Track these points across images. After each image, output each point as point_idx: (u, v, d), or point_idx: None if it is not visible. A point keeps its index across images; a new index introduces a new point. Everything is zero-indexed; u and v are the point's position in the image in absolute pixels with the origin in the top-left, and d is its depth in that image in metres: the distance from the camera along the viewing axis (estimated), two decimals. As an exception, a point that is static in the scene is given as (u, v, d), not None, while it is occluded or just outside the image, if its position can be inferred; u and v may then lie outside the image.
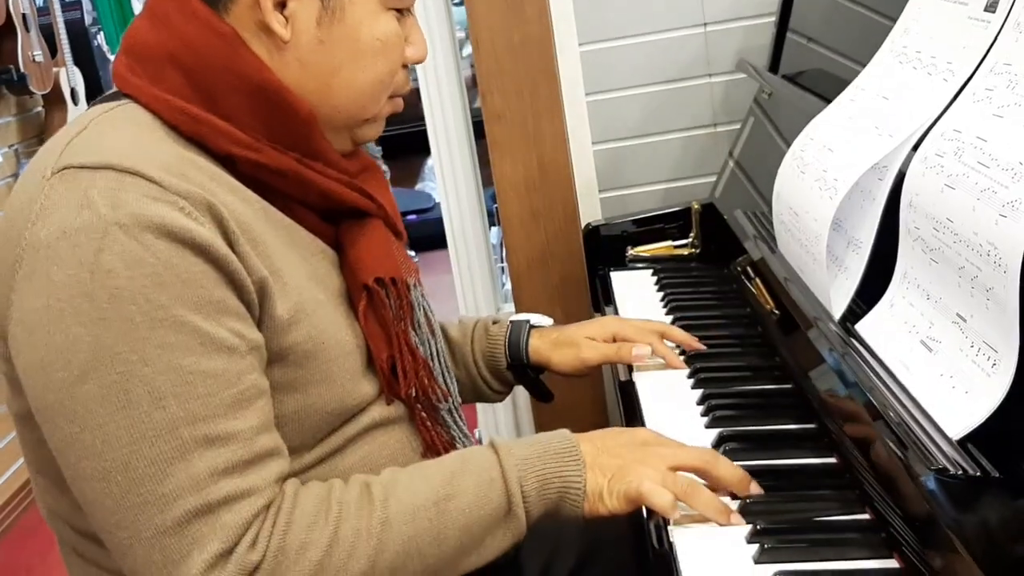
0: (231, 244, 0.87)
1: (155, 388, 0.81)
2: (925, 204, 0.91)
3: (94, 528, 0.88)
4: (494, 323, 1.32)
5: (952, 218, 0.85)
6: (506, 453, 0.94)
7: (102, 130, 0.90)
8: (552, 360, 1.29)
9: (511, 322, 1.31)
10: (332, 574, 0.86)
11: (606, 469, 0.95)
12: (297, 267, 0.96)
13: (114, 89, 0.97)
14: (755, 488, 0.95)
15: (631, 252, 1.75)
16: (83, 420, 0.82)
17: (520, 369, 1.30)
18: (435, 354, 1.08)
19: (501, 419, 2.17)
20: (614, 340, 1.29)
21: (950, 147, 0.90)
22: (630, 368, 1.29)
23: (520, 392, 2.11)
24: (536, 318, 1.33)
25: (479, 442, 1.08)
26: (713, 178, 1.81)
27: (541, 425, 2.10)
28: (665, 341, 1.29)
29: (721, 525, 0.92)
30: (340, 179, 1.00)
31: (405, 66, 1.04)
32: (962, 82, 0.95)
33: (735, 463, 1.00)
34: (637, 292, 1.60)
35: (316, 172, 0.98)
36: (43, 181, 0.85)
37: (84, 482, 0.84)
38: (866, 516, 0.92)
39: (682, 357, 1.29)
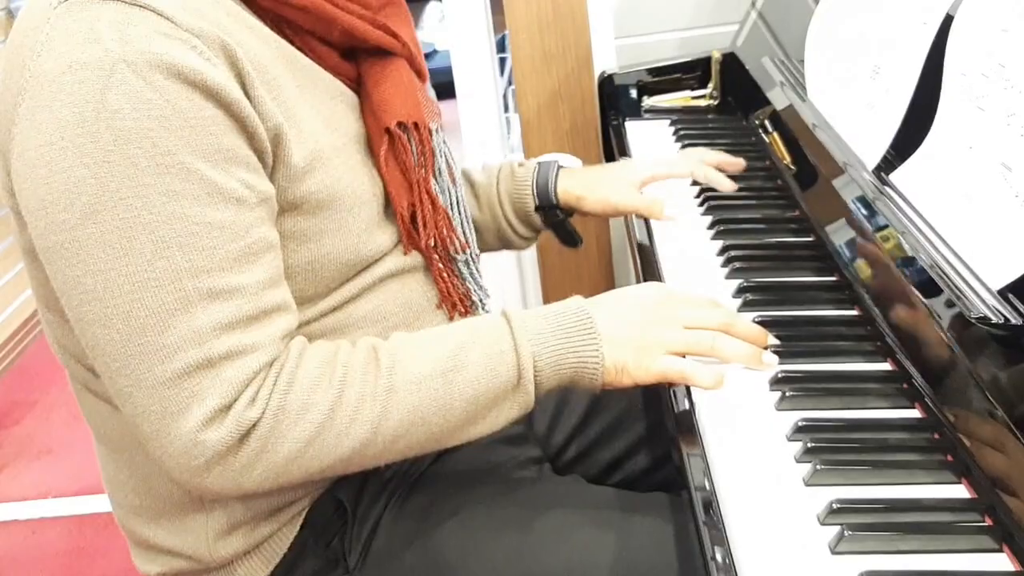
0: (245, 87, 0.83)
1: (159, 236, 0.79)
2: (975, 48, 0.87)
3: (97, 370, 0.86)
4: (520, 165, 1.29)
5: (1004, 63, 0.82)
6: (519, 325, 0.91)
7: None
8: (583, 200, 1.26)
9: (539, 163, 1.28)
10: (332, 438, 0.85)
11: (625, 341, 0.92)
12: (315, 112, 0.92)
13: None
14: (771, 339, 0.95)
15: (647, 102, 1.71)
16: (85, 264, 0.80)
17: (548, 211, 1.27)
18: (455, 203, 1.05)
19: (506, 273, 2.16)
20: (654, 178, 1.29)
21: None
22: (648, 228, 1.27)
23: (525, 252, 2.11)
24: (565, 159, 1.30)
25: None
26: (732, 27, 1.75)
27: (546, 279, 2.10)
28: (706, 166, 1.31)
29: (755, 369, 0.92)
30: (364, 15, 0.96)
31: None
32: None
33: (754, 315, 1.01)
34: (653, 143, 1.57)
35: (339, 7, 0.93)
36: (49, 10, 0.80)
37: (86, 326, 0.82)
38: (888, 366, 0.92)
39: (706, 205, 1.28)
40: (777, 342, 0.95)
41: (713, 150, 1.34)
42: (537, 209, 1.26)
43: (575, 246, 1.33)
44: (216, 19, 0.84)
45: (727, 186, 1.29)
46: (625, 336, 0.93)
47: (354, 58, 0.99)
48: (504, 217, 1.27)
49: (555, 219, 1.28)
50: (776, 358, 0.93)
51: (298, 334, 0.90)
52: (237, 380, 0.82)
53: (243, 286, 0.82)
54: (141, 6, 0.79)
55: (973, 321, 0.77)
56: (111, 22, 0.78)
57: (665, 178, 1.30)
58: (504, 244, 1.30)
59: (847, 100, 1.08)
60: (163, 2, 0.80)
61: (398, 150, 0.98)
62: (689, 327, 0.93)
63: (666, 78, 1.72)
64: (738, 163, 1.30)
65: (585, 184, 1.26)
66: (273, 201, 0.87)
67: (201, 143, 0.80)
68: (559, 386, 0.92)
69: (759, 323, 0.99)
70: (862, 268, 1.00)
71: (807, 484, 0.79)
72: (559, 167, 1.27)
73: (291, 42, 0.92)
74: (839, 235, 1.07)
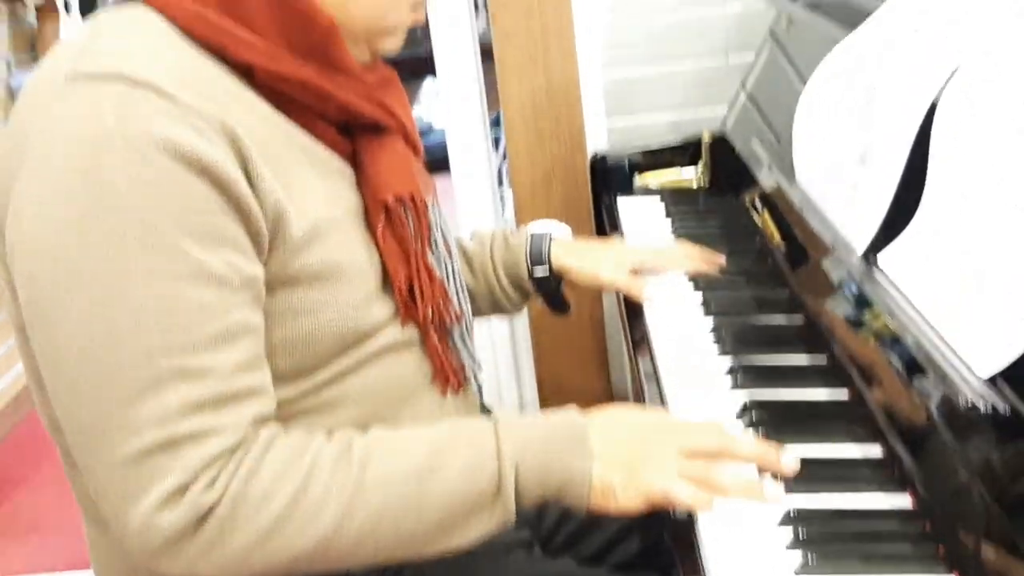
0: (245, 166, 0.84)
1: (137, 312, 0.79)
2: (960, 133, 0.88)
3: (68, 445, 0.85)
4: (512, 234, 1.31)
5: (989, 147, 0.83)
6: (505, 431, 0.89)
7: (117, 37, 0.86)
8: (573, 271, 1.29)
9: (531, 233, 1.31)
10: (292, 531, 0.82)
11: (617, 462, 0.88)
12: (314, 186, 0.93)
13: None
14: (788, 461, 0.88)
15: (639, 180, 1.73)
16: (61, 335, 0.80)
17: (541, 279, 1.29)
18: (451, 275, 1.05)
19: (499, 345, 2.16)
20: (642, 265, 1.32)
21: (989, 73, 0.87)
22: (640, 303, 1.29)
23: (517, 320, 2.12)
24: (556, 228, 1.34)
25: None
26: (722, 109, 1.78)
27: (539, 351, 2.10)
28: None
29: (757, 502, 0.86)
30: (360, 92, 0.97)
31: None
32: (1001, 9, 0.92)
33: (745, 395, 1.00)
34: (645, 219, 1.59)
35: (336, 84, 0.94)
36: (54, 88, 0.82)
37: (57, 398, 0.82)
38: (878, 451, 0.92)
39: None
40: (793, 463, 0.88)
41: (699, 245, 1.38)
42: (530, 277, 1.29)
43: (564, 313, 1.35)
44: (216, 98, 0.85)
45: (704, 268, 1.34)
46: (618, 457, 0.89)
47: (350, 134, 1.00)
48: (498, 284, 1.29)
49: (547, 287, 1.30)
50: (781, 489, 0.87)
51: (275, 417, 0.88)
52: (197, 462, 0.80)
53: (216, 367, 0.81)
54: (144, 84, 0.80)
55: (962, 409, 0.76)
56: (113, 99, 0.79)
57: (652, 268, 1.33)
58: (496, 309, 1.32)
59: (835, 183, 1.09)
60: (165, 81, 0.81)
61: (395, 224, 0.99)
62: (686, 452, 0.89)
63: (657, 159, 1.74)
64: (719, 260, 1.34)
65: (577, 256, 1.29)
66: (259, 284, 0.87)
67: (190, 221, 0.80)
68: (543, 499, 0.89)
69: (756, 414, 0.98)
70: (851, 350, 1.00)
71: (797, 574, 0.78)
72: (551, 238, 1.30)
73: (290, 118, 0.93)
74: (828, 316, 1.07)
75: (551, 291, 1.31)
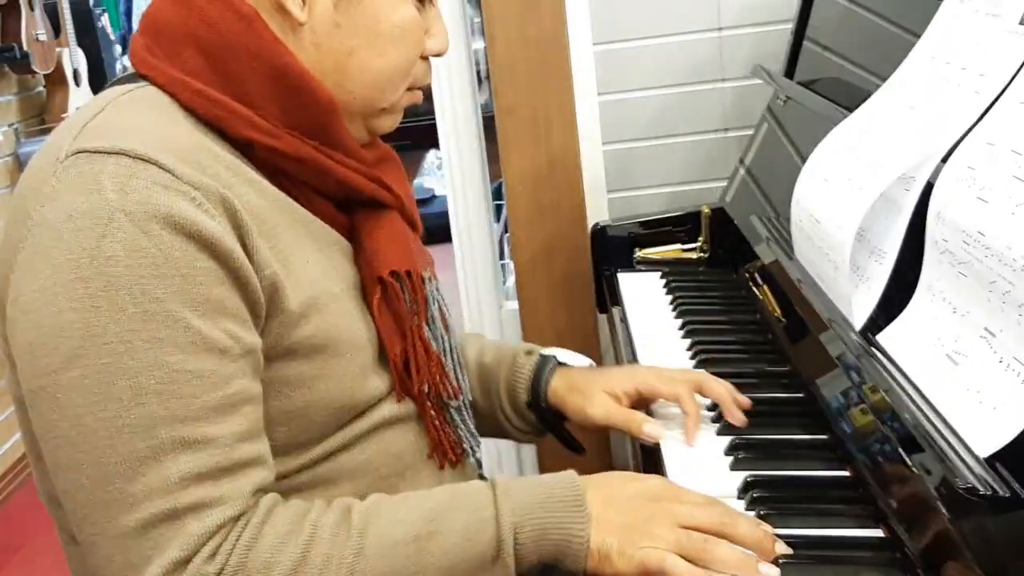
0: (242, 239, 0.85)
1: (138, 383, 0.79)
2: (955, 216, 0.89)
3: (68, 518, 0.85)
4: (527, 353, 1.21)
5: (984, 231, 0.84)
6: (504, 494, 0.89)
7: (119, 113, 0.87)
8: (565, 405, 1.17)
9: (541, 355, 1.20)
10: None
11: (614, 527, 0.88)
12: (312, 259, 0.94)
13: (130, 70, 0.95)
14: (780, 548, 0.87)
15: (639, 254, 1.74)
16: (63, 407, 0.80)
17: (540, 411, 1.19)
18: (448, 350, 1.05)
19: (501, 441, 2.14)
20: (638, 392, 1.16)
21: (983, 159, 0.88)
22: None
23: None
24: (566, 355, 1.22)
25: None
26: (721, 183, 1.80)
27: (543, 448, 2.08)
28: (698, 396, 1.14)
29: None
30: (359, 169, 0.98)
31: (425, 58, 1.02)
32: (995, 95, 0.94)
33: (745, 474, 0.99)
34: (645, 294, 1.59)
35: (335, 161, 0.96)
36: (56, 163, 0.83)
37: (58, 471, 0.82)
38: (880, 533, 0.91)
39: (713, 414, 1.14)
40: (788, 550, 0.87)
41: (721, 382, 1.15)
42: (530, 406, 1.19)
43: (577, 452, 1.23)
44: (216, 172, 0.86)
45: (693, 427, 1.11)
46: (615, 522, 0.88)
47: (348, 209, 1.01)
48: (500, 407, 1.21)
49: (547, 420, 1.20)
50: (777, 572, 0.85)
51: (272, 490, 0.88)
52: (199, 533, 0.80)
53: (217, 437, 0.82)
54: (144, 159, 0.81)
55: (961, 491, 0.76)
56: (113, 174, 0.81)
57: (649, 395, 1.16)
58: (500, 433, 1.24)
59: (833, 259, 1.09)
60: (165, 156, 0.82)
61: (391, 298, 0.99)
62: (684, 525, 0.88)
63: (657, 231, 1.75)
64: (737, 415, 1.11)
65: (569, 389, 1.17)
66: (258, 354, 0.87)
67: (190, 292, 0.81)
68: (540, 562, 0.89)
69: (756, 493, 0.97)
70: (851, 428, 1.00)
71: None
72: (556, 363, 1.20)
73: (288, 193, 0.95)
74: (828, 392, 1.07)
75: (553, 426, 1.20)
